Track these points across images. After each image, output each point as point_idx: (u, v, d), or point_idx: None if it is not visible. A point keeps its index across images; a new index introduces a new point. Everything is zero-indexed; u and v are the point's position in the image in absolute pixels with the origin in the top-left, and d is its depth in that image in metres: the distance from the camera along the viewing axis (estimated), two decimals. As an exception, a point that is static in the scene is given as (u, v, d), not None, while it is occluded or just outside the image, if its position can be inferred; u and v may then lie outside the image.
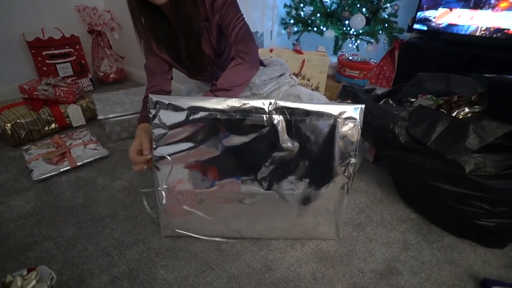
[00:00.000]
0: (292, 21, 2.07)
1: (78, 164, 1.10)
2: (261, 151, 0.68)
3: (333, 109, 0.65)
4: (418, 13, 1.81)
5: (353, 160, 0.69)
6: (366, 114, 0.80)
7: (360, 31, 1.88)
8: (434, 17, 1.78)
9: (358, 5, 1.79)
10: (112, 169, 1.11)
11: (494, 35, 1.62)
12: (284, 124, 0.66)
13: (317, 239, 0.84)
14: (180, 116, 0.64)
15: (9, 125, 1.19)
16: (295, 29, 2.09)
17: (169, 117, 0.64)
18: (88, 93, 1.75)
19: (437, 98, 0.99)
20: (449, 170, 0.76)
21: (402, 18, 1.83)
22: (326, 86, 1.68)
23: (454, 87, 1.00)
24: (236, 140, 0.67)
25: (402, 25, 1.84)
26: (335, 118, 0.66)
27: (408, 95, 1.08)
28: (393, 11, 1.77)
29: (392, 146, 0.86)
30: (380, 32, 1.83)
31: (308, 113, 0.65)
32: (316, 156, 0.69)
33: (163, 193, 0.72)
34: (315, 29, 2.00)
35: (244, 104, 0.64)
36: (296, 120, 0.66)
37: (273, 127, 0.66)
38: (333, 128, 0.66)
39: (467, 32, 1.70)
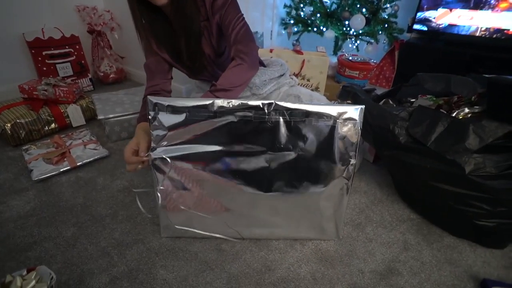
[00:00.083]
0: (292, 21, 2.07)
1: (78, 164, 1.10)
2: (260, 152, 0.68)
3: (333, 110, 0.65)
4: (418, 14, 1.81)
5: (353, 161, 0.69)
6: (366, 114, 0.80)
7: (360, 32, 1.88)
8: (434, 18, 1.78)
9: (358, 6, 1.79)
10: (112, 169, 1.11)
11: (494, 36, 1.62)
12: (283, 125, 0.66)
13: (317, 239, 0.84)
14: (179, 118, 0.65)
15: (9, 125, 1.19)
16: (295, 29, 2.09)
17: (168, 119, 0.65)
18: (88, 93, 1.75)
19: (437, 99, 0.99)
20: (449, 171, 0.76)
21: (402, 18, 1.83)
22: (326, 87, 1.68)
23: (454, 87, 1.01)
24: (236, 141, 0.67)
25: (402, 25, 1.84)
26: (334, 119, 0.66)
27: (408, 95, 1.08)
28: (393, 12, 1.77)
29: (392, 146, 0.86)
30: (380, 32, 1.83)
31: (307, 114, 0.65)
32: (315, 157, 0.69)
33: (160, 195, 0.72)
34: (315, 29, 2.00)
35: (243, 104, 0.64)
36: (296, 121, 0.66)
37: (273, 128, 0.66)
38: (333, 129, 0.66)
39: (467, 33, 1.70)
